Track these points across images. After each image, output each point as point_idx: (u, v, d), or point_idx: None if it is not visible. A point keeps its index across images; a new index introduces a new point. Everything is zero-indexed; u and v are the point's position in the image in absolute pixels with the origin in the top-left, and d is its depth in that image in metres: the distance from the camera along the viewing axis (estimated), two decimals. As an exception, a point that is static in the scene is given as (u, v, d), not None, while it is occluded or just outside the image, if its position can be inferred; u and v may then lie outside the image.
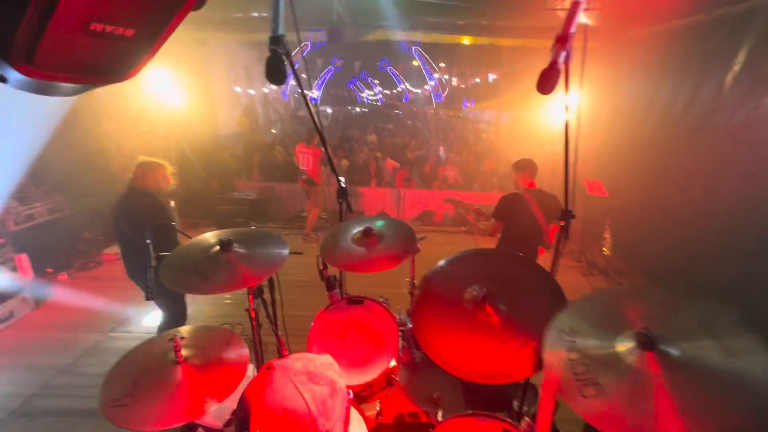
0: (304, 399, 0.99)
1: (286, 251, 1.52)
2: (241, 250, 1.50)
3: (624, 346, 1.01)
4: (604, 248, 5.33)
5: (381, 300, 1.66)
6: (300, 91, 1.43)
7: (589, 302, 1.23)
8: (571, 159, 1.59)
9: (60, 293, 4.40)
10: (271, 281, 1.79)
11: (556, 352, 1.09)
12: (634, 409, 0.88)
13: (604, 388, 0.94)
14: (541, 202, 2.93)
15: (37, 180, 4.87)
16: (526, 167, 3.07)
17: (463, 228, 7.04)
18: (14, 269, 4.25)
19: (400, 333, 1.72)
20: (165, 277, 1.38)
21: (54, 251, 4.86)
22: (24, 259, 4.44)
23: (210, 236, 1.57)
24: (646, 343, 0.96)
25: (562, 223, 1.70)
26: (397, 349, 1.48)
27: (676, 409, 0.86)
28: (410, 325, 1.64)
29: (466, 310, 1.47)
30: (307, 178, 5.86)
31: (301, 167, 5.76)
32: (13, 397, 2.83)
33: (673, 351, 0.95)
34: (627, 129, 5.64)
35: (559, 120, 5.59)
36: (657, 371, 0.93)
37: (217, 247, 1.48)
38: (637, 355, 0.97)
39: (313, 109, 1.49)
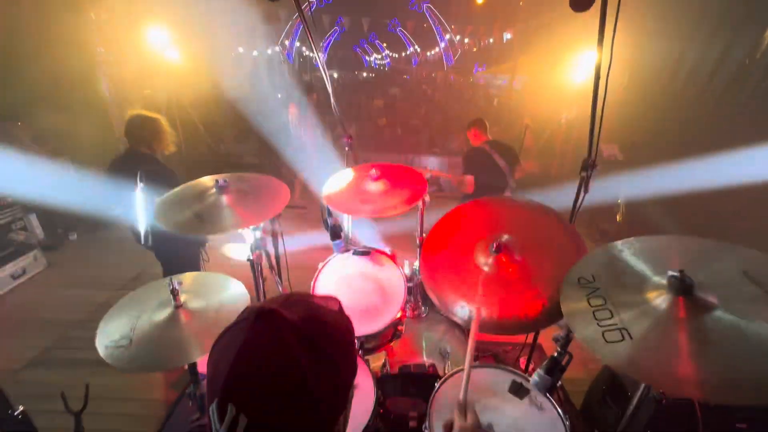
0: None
1: (287, 196, 1.44)
2: (238, 192, 1.41)
3: (655, 291, 0.92)
4: (618, 215, 5.18)
5: (388, 252, 1.59)
6: (309, 53, 1.30)
7: (612, 250, 1.13)
8: (599, 106, 1.45)
9: (71, 252, 4.45)
10: (274, 233, 1.72)
11: (574, 299, 1.01)
12: (659, 354, 0.81)
13: (630, 332, 0.86)
14: (500, 150, 3.35)
15: (40, 139, 4.82)
16: (476, 124, 3.50)
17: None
18: (24, 228, 4.28)
19: (407, 287, 1.67)
20: (158, 216, 1.31)
21: (63, 211, 4.87)
22: (33, 218, 4.47)
23: (208, 179, 1.49)
24: (682, 287, 0.87)
25: (582, 174, 1.58)
26: (404, 301, 1.43)
27: (692, 355, 0.78)
28: (418, 278, 1.57)
29: (479, 260, 1.40)
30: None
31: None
32: (30, 349, 2.91)
33: (710, 297, 0.86)
34: (651, 89, 5.30)
35: (574, 82, 5.30)
36: (685, 316, 0.85)
37: (214, 189, 1.40)
38: (668, 301, 0.88)
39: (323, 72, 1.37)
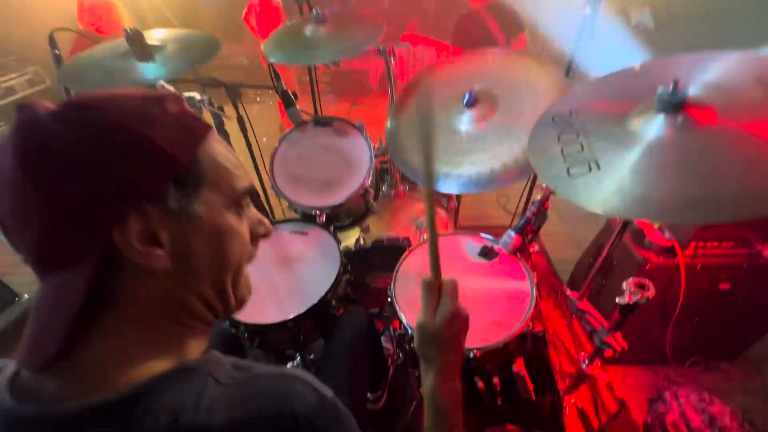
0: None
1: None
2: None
3: (640, 117, 0.75)
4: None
5: (356, 125, 1.42)
6: None
7: (598, 83, 0.93)
8: None
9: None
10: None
11: (543, 137, 0.86)
12: (632, 182, 0.68)
13: (599, 163, 0.72)
14: (499, 17, 2.72)
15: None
16: None
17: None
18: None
19: (380, 165, 1.54)
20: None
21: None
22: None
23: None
24: (672, 102, 0.70)
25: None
26: (368, 171, 1.31)
27: (672, 178, 0.65)
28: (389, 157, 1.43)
29: (451, 118, 1.23)
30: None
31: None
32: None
33: (705, 110, 0.69)
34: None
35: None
36: (671, 137, 0.69)
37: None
38: (653, 124, 0.72)
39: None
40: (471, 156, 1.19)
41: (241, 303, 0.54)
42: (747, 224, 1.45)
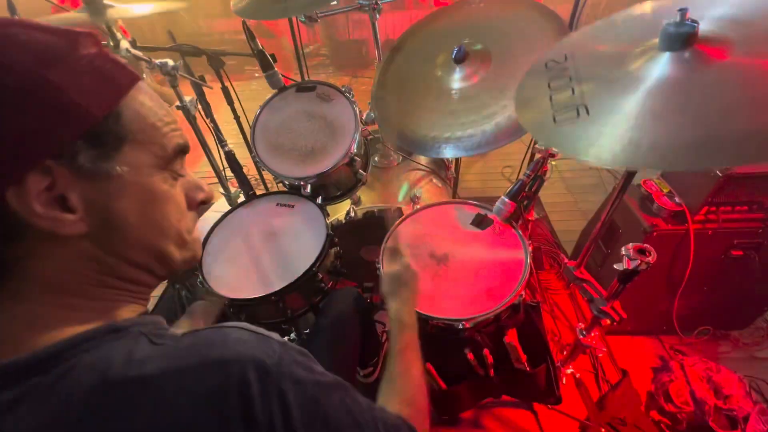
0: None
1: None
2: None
3: (642, 57, 0.66)
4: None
5: (342, 88, 1.34)
6: None
7: (603, 25, 0.83)
8: None
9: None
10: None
11: (532, 84, 0.77)
12: (626, 126, 0.60)
13: (587, 107, 0.64)
14: None
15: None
16: None
17: None
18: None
19: (371, 134, 1.46)
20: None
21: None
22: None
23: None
24: (681, 35, 0.60)
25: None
26: (352, 139, 1.23)
27: (672, 121, 0.56)
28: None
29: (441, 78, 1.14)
30: None
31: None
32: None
33: (719, 45, 0.60)
34: None
35: None
36: (679, 75, 0.60)
37: None
38: (657, 62, 0.63)
39: None
40: (462, 117, 1.10)
41: (189, 262, 0.50)
42: (762, 187, 1.35)
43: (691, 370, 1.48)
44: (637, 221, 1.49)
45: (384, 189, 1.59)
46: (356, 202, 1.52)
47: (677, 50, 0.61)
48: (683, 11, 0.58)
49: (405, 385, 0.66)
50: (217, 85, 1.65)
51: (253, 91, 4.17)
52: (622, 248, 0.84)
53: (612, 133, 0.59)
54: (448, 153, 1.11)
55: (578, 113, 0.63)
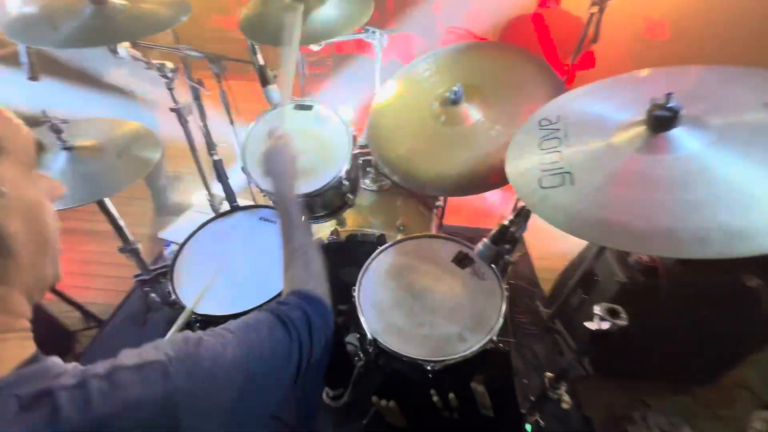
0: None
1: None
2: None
3: (628, 131, 0.68)
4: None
5: (338, 112, 1.34)
6: None
7: (598, 87, 0.85)
8: None
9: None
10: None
11: (524, 142, 0.79)
12: (606, 201, 0.61)
13: (573, 177, 0.65)
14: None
15: None
16: None
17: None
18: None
19: (363, 158, 1.46)
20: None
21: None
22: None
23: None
24: (663, 117, 0.62)
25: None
26: (344, 165, 1.23)
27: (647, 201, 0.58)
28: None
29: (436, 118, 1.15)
30: None
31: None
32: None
33: (698, 131, 0.62)
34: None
35: None
36: (656, 154, 0.62)
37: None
38: (640, 139, 0.65)
39: None
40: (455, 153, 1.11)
41: (52, 287, 0.45)
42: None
43: (654, 423, 1.49)
44: (613, 272, 1.52)
45: (371, 213, 1.59)
46: (341, 223, 1.51)
47: (660, 130, 0.63)
48: (669, 95, 0.60)
49: (305, 260, 0.69)
50: (217, 88, 1.63)
51: (257, 92, 4.15)
52: (594, 307, 0.85)
53: (588, 205, 0.61)
54: (436, 191, 1.12)
55: (563, 181, 0.64)
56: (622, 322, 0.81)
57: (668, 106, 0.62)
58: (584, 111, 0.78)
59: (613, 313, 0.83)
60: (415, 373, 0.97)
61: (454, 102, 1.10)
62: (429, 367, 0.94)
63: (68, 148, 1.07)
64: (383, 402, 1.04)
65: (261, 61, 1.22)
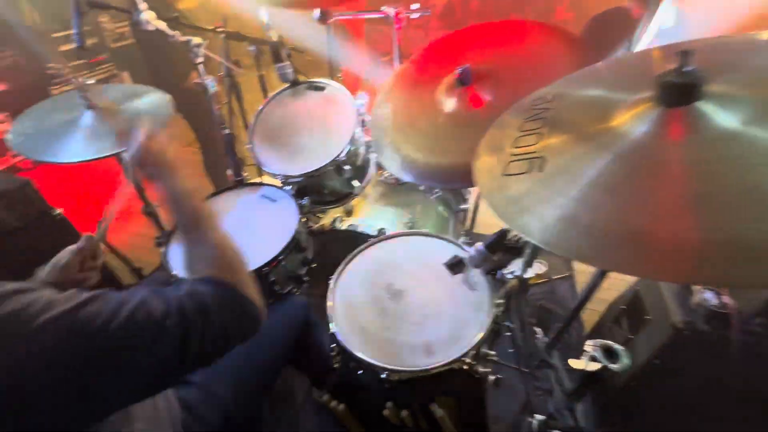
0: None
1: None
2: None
3: (634, 109, 0.50)
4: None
5: (355, 96, 1.28)
6: None
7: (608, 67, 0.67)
8: None
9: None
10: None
11: (506, 123, 0.64)
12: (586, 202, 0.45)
13: (543, 163, 0.50)
14: None
15: None
16: None
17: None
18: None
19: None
20: None
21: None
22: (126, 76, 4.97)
23: None
24: (681, 88, 0.45)
25: None
26: (344, 149, 1.16)
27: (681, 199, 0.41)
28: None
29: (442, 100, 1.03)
30: None
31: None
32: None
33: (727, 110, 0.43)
34: None
35: None
36: (680, 139, 0.44)
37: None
38: (650, 119, 0.47)
39: None
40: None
41: None
42: None
43: None
44: (666, 311, 1.23)
45: (381, 205, 1.50)
46: (349, 212, 1.45)
47: (676, 105, 0.45)
48: (685, 53, 0.42)
49: (209, 250, 0.66)
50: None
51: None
52: (587, 342, 0.66)
53: (559, 204, 0.45)
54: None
55: (530, 168, 0.50)
56: (617, 366, 0.61)
57: (688, 75, 0.44)
58: (586, 89, 0.61)
59: (609, 354, 0.64)
60: (371, 380, 0.86)
61: (462, 82, 0.96)
62: (383, 376, 0.82)
63: (90, 108, 1.18)
64: (333, 403, 0.95)
65: (274, 37, 1.21)
